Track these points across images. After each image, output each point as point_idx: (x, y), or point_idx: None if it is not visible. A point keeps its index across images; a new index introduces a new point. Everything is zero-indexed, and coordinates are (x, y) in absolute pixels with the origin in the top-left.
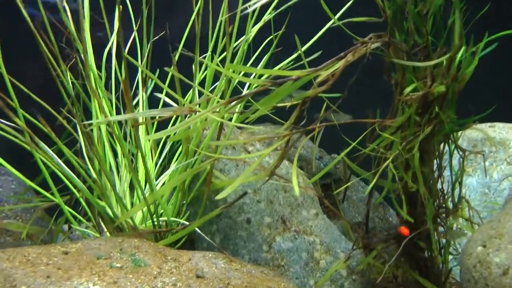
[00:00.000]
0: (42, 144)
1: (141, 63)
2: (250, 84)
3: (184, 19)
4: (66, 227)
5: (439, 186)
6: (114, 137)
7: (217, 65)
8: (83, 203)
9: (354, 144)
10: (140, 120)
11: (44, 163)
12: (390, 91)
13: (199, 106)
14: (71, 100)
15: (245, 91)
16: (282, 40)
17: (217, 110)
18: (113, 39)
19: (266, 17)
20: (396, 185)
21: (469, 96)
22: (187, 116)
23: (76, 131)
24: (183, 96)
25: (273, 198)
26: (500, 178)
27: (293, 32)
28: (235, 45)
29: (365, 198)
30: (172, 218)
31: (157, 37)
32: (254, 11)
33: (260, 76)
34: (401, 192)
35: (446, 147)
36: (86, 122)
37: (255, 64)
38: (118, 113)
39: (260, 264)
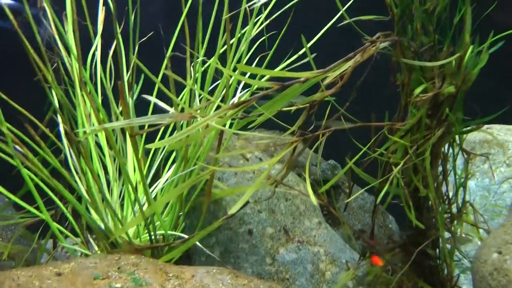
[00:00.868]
0: (31, 155)
1: (127, 64)
2: (248, 87)
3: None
4: (50, 243)
5: (443, 190)
6: (110, 145)
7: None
8: (70, 218)
9: (364, 149)
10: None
11: (28, 175)
12: (394, 93)
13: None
14: (54, 107)
15: (238, 95)
16: (281, 42)
17: (221, 116)
18: (97, 41)
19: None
20: (402, 190)
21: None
22: (187, 123)
23: (60, 140)
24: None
25: (275, 207)
26: (500, 180)
27: (292, 33)
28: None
29: (364, 204)
30: (170, 232)
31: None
32: (252, 10)
33: (261, 78)
34: (408, 198)
35: (450, 150)
36: (83, 130)
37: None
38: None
39: (264, 278)
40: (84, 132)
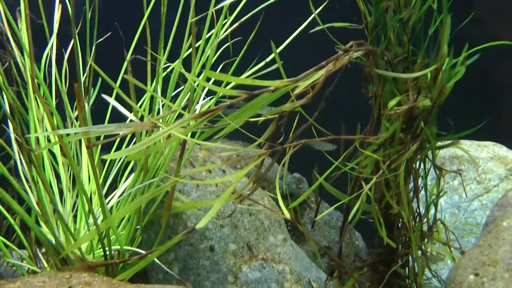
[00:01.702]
0: None
1: (83, 68)
2: (212, 94)
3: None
4: None
5: (414, 207)
6: (63, 153)
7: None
8: (18, 230)
9: (336, 163)
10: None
11: None
12: (365, 104)
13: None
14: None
15: (201, 103)
16: (249, 48)
17: (184, 126)
18: (53, 40)
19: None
20: (373, 207)
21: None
22: (147, 132)
23: (10, 146)
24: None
25: (238, 222)
26: (470, 197)
27: (261, 39)
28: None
29: (329, 220)
30: (126, 247)
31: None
32: (220, 12)
33: (225, 86)
34: (379, 215)
35: (422, 166)
36: (38, 135)
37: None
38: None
39: None
40: (38, 141)
